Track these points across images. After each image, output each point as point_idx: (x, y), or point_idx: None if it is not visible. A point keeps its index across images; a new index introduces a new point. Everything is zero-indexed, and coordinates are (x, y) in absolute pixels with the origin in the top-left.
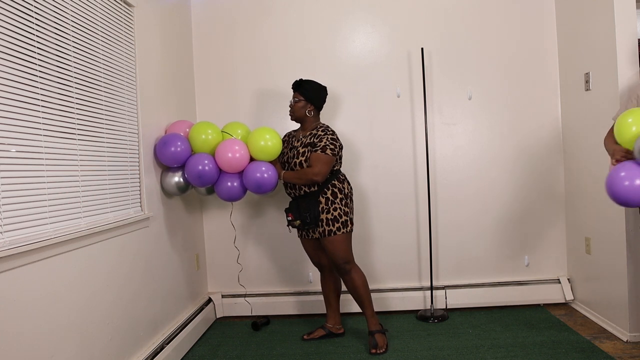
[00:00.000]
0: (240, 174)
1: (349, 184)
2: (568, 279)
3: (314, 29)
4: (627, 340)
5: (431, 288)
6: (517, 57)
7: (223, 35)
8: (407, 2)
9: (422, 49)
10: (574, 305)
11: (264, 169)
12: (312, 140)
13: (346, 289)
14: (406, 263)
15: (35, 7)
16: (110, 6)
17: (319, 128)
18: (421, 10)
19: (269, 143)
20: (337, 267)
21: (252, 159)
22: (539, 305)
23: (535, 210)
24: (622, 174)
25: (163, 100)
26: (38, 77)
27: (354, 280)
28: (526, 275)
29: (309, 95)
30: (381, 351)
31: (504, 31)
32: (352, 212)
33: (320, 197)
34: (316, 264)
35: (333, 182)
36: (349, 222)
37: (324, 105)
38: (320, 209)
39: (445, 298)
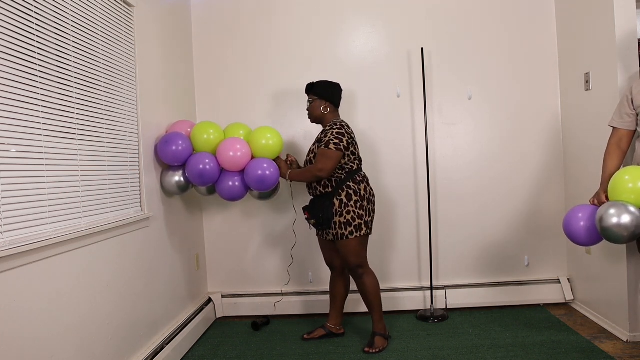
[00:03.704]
0: (242, 172)
1: (367, 185)
2: (568, 279)
3: (314, 29)
4: (627, 340)
5: (431, 288)
6: (517, 57)
7: (223, 35)
8: (407, 2)
9: (422, 49)
10: (574, 305)
11: (265, 165)
12: (321, 136)
13: (356, 291)
14: (406, 263)
15: (35, 7)
16: (110, 6)
17: (329, 123)
18: (421, 10)
19: (270, 142)
20: (350, 270)
21: (253, 158)
22: (539, 305)
23: (535, 210)
24: (580, 214)
25: (163, 100)
26: (38, 77)
27: (365, 285)
28: (526, 275)
29: (322, 92)
30: (373, 351)
31: (503, 31)
32: (368, 215)
33: (335, 199)
34: (328, 264)
35: (348, 183)
36: (363, 226)
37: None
38: (333, 211)
39: (445, 298)
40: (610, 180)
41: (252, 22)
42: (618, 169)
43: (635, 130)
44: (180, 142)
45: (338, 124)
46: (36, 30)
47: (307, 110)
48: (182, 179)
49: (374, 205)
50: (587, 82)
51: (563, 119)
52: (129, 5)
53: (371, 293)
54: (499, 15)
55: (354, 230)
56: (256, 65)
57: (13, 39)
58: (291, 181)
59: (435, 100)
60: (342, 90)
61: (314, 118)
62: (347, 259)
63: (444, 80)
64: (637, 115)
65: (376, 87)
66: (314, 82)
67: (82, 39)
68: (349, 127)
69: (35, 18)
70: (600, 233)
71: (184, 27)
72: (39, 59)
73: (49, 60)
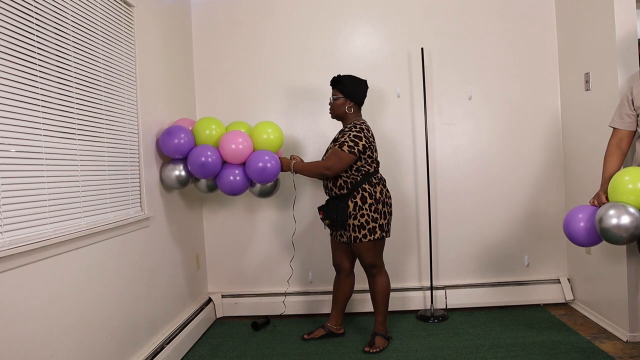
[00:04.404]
0: (243, 165)
1: (384, 187)
2: (568, 279)
3: (314, 29)
4: (627, 340)
5: (431, 288)
6: (517, 57)
7: (223, 35)
8: (407, 2)
9: (422, 49)
10: (574, 305)
11: (267, 157)
12: (338, 136)
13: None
14: (406, 263)
15: (35, 7)
16: (110, 6)
17: (350, 124)
18: (421, 10)
19: (271, 136)
20: (364, 269)
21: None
22: (539, 305)
23: (535, 210)
24: (580, 215)
25: (163, 100)
26: (38, 77)
27: (377, 286)
28: (526, 275)
29: (348, 90)
30: (374, 350)
31: (503, 31)
32: (384, 218)
33: (349, 202)
34: (336, 265)
35: (364, 185)
36: (377, 229)
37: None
38: (347, 213)
39: (445, 298)
40: (610, 181)
41: (252, 21)
42: (618, 169)
43: (636, 130)
44: (183, 135)
45: (358, 126)
46: (36, 30)
47: (330, 105)
48: (182, 172)
49: (391, 207)
50: (587, 82)
51: (563, 118)
52: (129, 5)
53: (380, 293)
54: (499, 15)
55: (367, 234)
56: (256, 64)
57: (13, 39)
58: (296, 173)
59: (435, 100)
60: (368, 87)
61: (336, 115)
62: (361, 259)
63: (444, 80)
64: (638, 116)
65: (376, 87)
66: (341, 75)
67: (82, 39)
68: (368, 131)
69: (35, 18)
70: (599, 234)
71: (184, 27)
72: (39, 59)
73: (49, 60)
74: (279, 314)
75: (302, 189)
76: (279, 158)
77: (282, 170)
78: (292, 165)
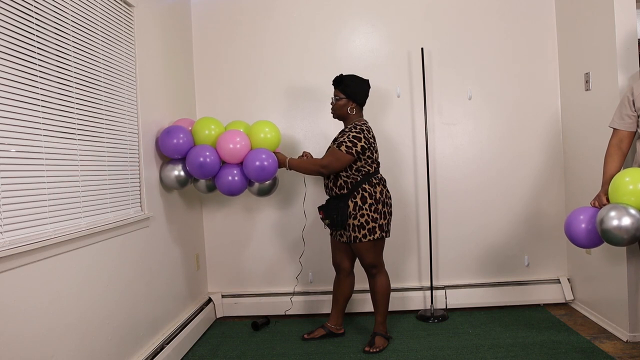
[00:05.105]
0: (241, 164)
1: (384, 187)
2: (568, 279)
3: (314, 29)
4: (627, 340)
5: (431, 288)
6: (517, 57)
7: (223, 35)
8: (407, 2)
9: (422, 49)
10: (574, 305)
11: (264, 156)
12: (338, 135)
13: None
14: (406, 263)
15: (35, 7)
16: (110, 6)
17: (351, 125)
18: (421, 10)
19: (269, 135)
20: (364, 269)
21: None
22: (539, 305)
23: (535, 210)
24: (581, 216)
25: (163, 100)
26: (38, 77)
27: (377, 286)
28: (526, 275)
29: (350, 91)
30: (374, 350)
31: (504, 31)
32: (383, 218)
33: (349, 202)
34: (335, 265)
35: (364, 185)
36: (377, 229)
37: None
38: (347, 213)
39: (445, 298)
40: (611, 182)
41: (252, 21)
42: (619, 170)
43: (636, 131)
44: (182, 135)
45: (358, 127)
46: (36, 30)
47: (331, 104)
48: (181, 173)
49: (391, 207)
50: (587, 82)
51: (563, 118)
52: (129, 5)
53: (380, 293)
54: (499, 15)
55: (367, 234)
56: (256, 64)
57: (13, 39)
58: (291, 169)
59: (435, 100)
60: (370, 87)
61: (337, 116)
62: (361, 259)
63: (444, 80)
64: (638, 116)
65: (376, 87)
66: (343, 75)
67: (82, 39)
68: (369, 132)
69: (35, 18)
70: (600, 235)
71: (184, 27)
72: (39, 59)
73: (49, 60)
74: (283, 311)
75: (303, 188)
76: (275, 153)
77: (278, 166)
78: (287, 161)
